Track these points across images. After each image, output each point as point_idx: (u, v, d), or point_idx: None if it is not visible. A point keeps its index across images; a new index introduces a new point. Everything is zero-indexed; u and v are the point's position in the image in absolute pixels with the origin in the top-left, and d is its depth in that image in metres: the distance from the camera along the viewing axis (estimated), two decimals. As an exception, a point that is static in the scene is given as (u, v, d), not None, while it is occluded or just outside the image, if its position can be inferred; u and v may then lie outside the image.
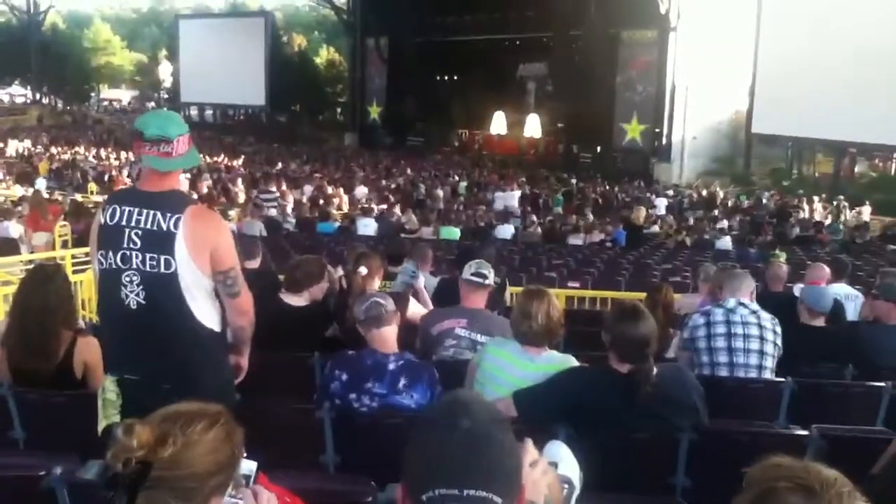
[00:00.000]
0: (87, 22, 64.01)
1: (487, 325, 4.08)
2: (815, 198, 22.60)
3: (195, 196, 15.24)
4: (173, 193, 2.84)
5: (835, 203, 21.99)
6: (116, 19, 71.32)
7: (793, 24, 26.43)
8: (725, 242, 14.99)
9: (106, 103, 64.17)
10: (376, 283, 4.87)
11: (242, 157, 32.12)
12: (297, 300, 4.44)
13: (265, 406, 3.16)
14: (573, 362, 3.24)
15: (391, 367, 3.13)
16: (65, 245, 11.56)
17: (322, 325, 4.51)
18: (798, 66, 25.77)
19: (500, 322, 4.14)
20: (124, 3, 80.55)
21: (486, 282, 4.16)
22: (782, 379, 3.90)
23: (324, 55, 58.07)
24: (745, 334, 4.14)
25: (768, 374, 4.11)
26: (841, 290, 6.14)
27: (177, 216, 2.73)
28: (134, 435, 1.47)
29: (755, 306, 4.28)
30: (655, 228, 17.71)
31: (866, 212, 21.16)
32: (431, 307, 4.90)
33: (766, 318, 4.22)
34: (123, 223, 2.76)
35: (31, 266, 6.03)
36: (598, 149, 32.56)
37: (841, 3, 24.36)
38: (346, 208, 18.87)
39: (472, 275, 4.16)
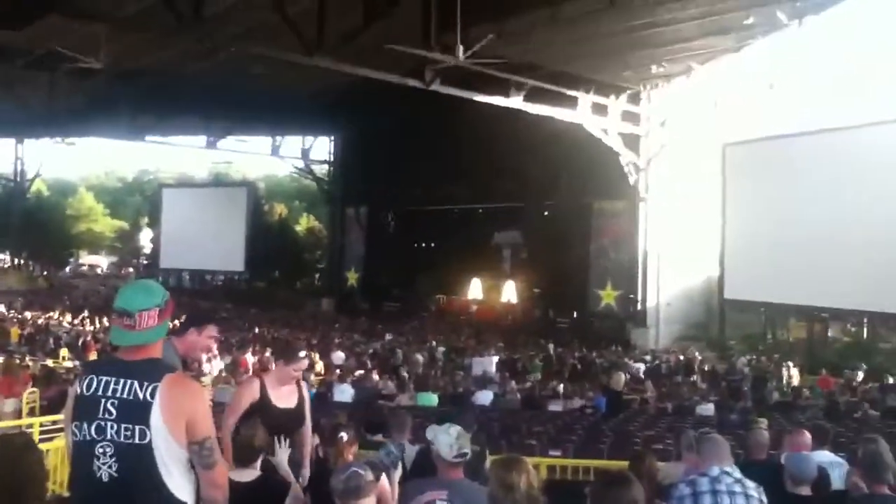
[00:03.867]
0: (72, 190, 65.26)
1: (470, 496, 3.94)
2: (791, 363, 22.68)
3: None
4: (151, 362, 2.82)
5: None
6: (101, 188, 72.76)
7: (757, 194, 27.55)
8: (707, 408, 14.89)
9: (84, 268, 64.32)
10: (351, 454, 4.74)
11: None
12: (244, 475, 3.96)
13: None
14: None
15: (368, 544, 3.02)
16: (32, 412, 11.25)
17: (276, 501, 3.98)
18: (765, 233, 26.66)
19: (482, 492, 4.01)
20: (110, 174, 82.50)
21: (467, 458, 4.06)
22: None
23: (304, 223, 59.40)
24: (732, 504, 4.05)
25: (757, 546, 3.99)
26: (824, 457, 6.06)
27: (154, 385, 2.70)
28: None
29: (738, 474, 4.21)
30: (635, 395, 17.60)
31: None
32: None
33: (751, 486, 4.14)
34: (100, 393, 2.72)
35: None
36: (575, 314, 32.91)
37: (805, 171, 25.48)
38: (322, 373, 18.66)
39: (455, 456, 4.02)
